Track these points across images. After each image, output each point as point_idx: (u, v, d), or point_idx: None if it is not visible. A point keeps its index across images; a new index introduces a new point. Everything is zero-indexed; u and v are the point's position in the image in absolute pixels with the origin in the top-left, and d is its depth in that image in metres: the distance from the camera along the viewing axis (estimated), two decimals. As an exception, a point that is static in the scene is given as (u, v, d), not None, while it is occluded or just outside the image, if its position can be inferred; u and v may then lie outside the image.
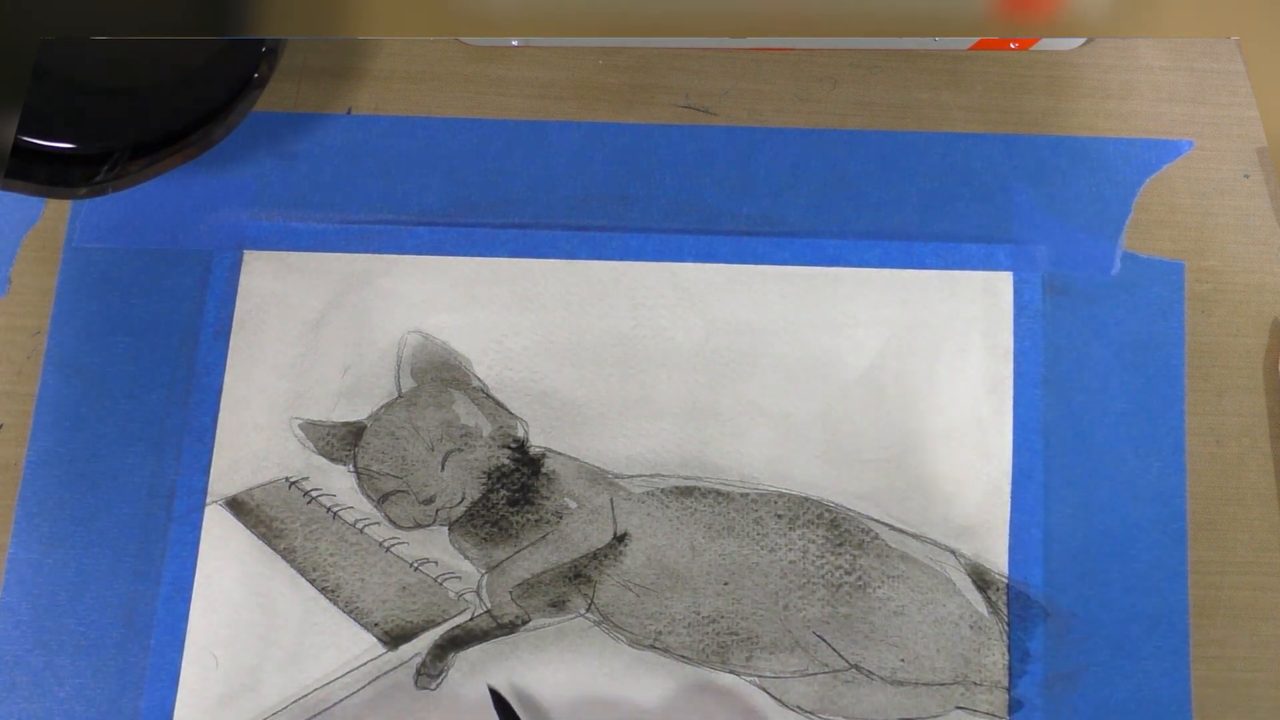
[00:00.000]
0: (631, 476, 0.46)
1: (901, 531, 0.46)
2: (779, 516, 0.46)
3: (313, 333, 0.47)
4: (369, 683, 0.44)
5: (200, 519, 0.45)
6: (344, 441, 0.46)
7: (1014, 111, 0.50)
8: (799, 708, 0.44)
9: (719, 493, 0.46)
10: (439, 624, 0.45)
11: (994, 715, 0.44)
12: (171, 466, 0.46)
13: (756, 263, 0.48)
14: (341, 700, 0.44)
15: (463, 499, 0.46)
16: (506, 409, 0.47)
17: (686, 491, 0.46)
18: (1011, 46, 0.50)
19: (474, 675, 0.44)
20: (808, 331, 0.47)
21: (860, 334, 0.47)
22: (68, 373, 0.47)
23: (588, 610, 0.45)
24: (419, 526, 0.46)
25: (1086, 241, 0.48)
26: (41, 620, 0.45)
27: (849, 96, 0.50)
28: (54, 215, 0.48)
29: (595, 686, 0.44)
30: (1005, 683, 0.44)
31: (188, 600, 0.45)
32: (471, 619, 0.45)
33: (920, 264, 0.48)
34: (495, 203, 0.49)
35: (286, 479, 0.46)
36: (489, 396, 0.47)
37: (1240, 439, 0.47)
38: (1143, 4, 0.43)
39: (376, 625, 0.45)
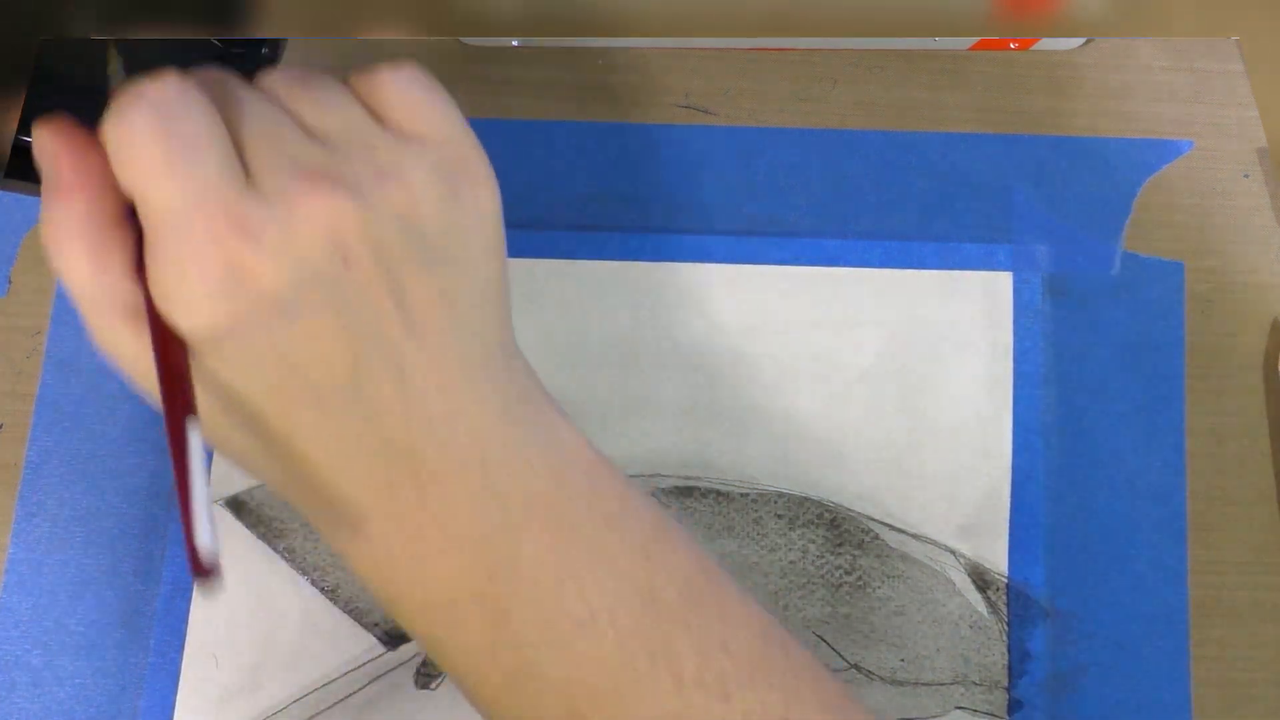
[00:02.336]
0: (631, 476, 0.46)
1: (901, 531, 0.46)
2: (779, 516, 0.46)
3: (313, 333, 0.47)
4: (369, 683, 0.44)
5: (200, 519, 0.45)
6: (344, 441, 0.46)
7: (1014, 111, 0.50)
8: (799, 708, 0.44)
9: (719, 493, 0.46)
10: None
11: (994, 715, 0.44)
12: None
13: (756, 263, 0.48)
14: (341, 700, 0.44)
15: (463, 499, 0.46)
16: (506, 409, 0.47)
17: (686, 491, 0.46)
18: (1011, 46, 0.50)
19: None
20: (808, 331, 0.47)
21: (860, 334, 0.47)
22: (68, 373, 0.47)
23: (588, 610, 0.45)
24: (419, 526, 0.45)
25: (1086, 241, 0.48)
26: (41, 620, 0.45)
27: (849, 96, 0.50)
28: (54, 215, 0.48)
29: (595, 686, 0.44)
30: (1005, 683, 0.44)
31: (188, 600, 0.45)
32: (471, 619, 0.45)
33: (920, 264, 0.48)
34: (495, 203, 0.49)
35: (286, 479, 0.46)
36: (489, 396, 0.47)
37: (1240, 439, 0.47)
38: (1143, 4, 0.44)
39: (376, 625, 0.45)
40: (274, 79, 0.30)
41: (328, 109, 0.29)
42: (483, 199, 0.30)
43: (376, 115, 0.30)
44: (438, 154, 0.29)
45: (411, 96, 0.30)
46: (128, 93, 0.28)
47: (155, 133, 0.27)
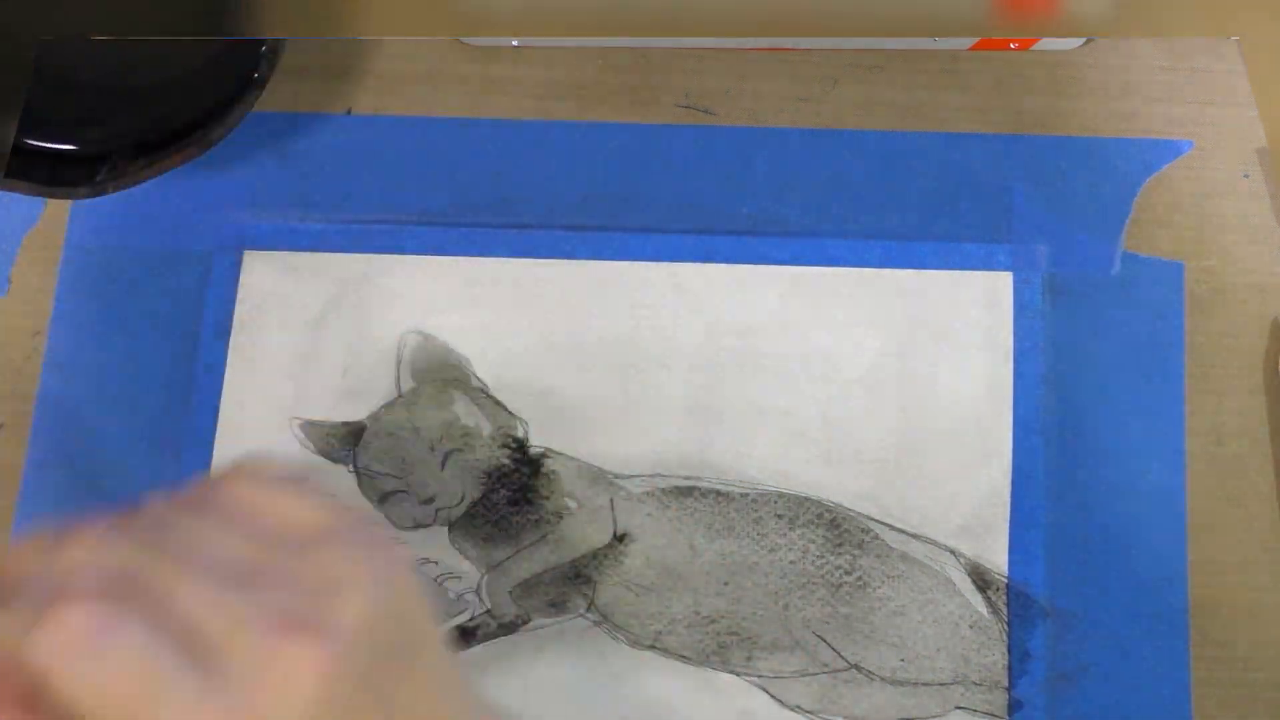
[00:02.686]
0: (631, 476, 0.46)
1: (901, 531, 0.46)
2: (779, 516, 0.46)
3: (313, 333, 0.47)
4: (369, 683, 0.44)
5: (200, 519, 0.45)
6: (344, 442, 0.46)
7: (1014, 111, 0.50)
8: (799, 707, 0.44)
9: (719, 493, 0.46)
10: (438, 624, 0.45)
11: (994, 715, 0.44)
12: (171, 466, 0.46)
13: (756, 263, 0.48)
14: (341, 700, 0.44)
15: (463, 499, 0.46)
16: (506, 409, 0.47)
17: (686, 491, 0.46)
18: (1011, 46, 0.50)
19: (474, 675, 0.44)
20: (808, 331, 0.47)
21: (860, 334, 0.47)
22: (68, 373, 0.47)
23: (588, 610, 0.45)
24: (419, 526, 0.46)
25: (1086, 241, 0.48)
26: (41, 620, 0.45)
27: (849, 96, 0.50)
28: (54, 215, 0.48)
29: (595, 686, 0.44)
30: (1005, 683, 0.44)
31: (188, 600, 0.45)
32: (471, 619, 0.45)
33: (920, 264, 0.48)
34: (495, 203, 0.49)
35: (286, 479, 0.46)
36: (489, 396, 0.47)
37: (1240, 439, 0.47)
38: (1143, 4, 0.44)
39: (376, 625, 0.45)
40: (154, 518, 0.28)
41: (228, 539, 0.28)
42: (399, 562, 0.30)
43: (248, 525, 0.29)
44: (347, 543, 0.28)
45: (280, 498, 0.29)
46: (48, 639, 0.24)
47: (113, 675, 0.24)
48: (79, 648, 0.24)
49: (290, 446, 0.46)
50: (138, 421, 0.46)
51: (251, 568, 0.27)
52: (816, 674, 0.44)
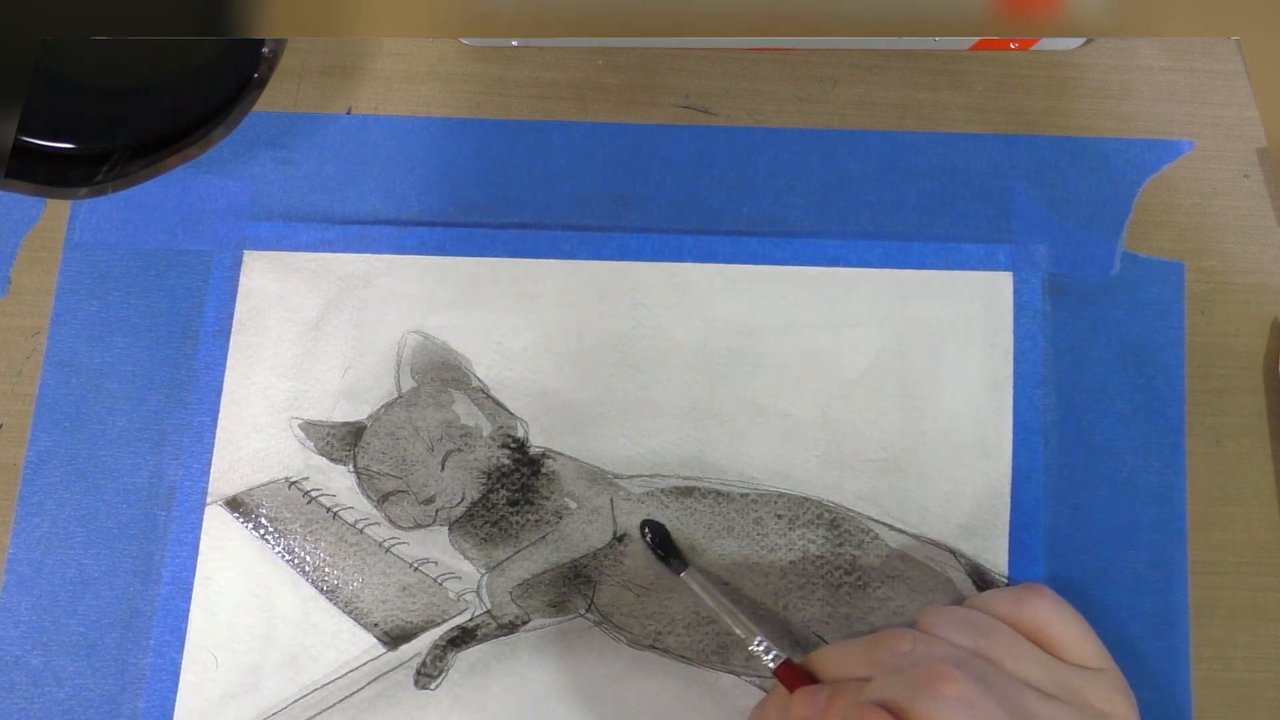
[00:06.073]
0: (631, 476, 0.46)
1: (901, 531, 0.46)
2: (779, 517, 0.46)
3: (313, 333, 0.47)
4: (369, 683, 0.44)
5: (200, 519, 0.45)
6: (344, 441, 0.46)
7: (1014, 111, 0.50)
8: (799, 708, 0.44)
9: (719, 493, 0.46)
10: (439, 624, 0.45)
11: (994, 715, 0.44)
12: (171, 466, 0.46)
13: (756, 263, 0.48)
14: (341, 700, 0.44)
15: (463, 499, 0.46)
16: (506, 409, 0.47)
17: (686, 492, 0.46)
18: (1011, 46, 0.50)
19: (474, 675, 0.44)
20: (808, 331, 0.47)
21: (860, 334, 0.47)
22: (68, 373, 0.47)
23: (588, 610, 0.45)
24: (419, 526, 0.46)
25: (1086, 241, 0.48)
26: (41, 620, 0.45)
27: (849, 96, 0.50)
28: (54, 215, 0.48)
29: (595, 686, 0.44)
30: (1005, 683, 0.44)
31: (188, 600, 0.45)
32: (471, 619, 0.45)
33: (920, 264, 0.48)
34: (495, 203, 0.49)
35: (286, 479, 0.46)
36: (489, 396, 0.47)
37: (1240, 439, 0.47)
38: (1143, 4, 0.44)
39: (376, 625, 0.45)
40: (980, 624, 0.39)
41: (1022, 659, 0.38)
42: (1134, 704, 0.40)
43: (1040, 644, 0.39)
44: (1115, 683, 0.39)
45: (1071, 631, 0.40)
46: (934, 702, 0.35)
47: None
48: (957, 710, 0.34)
49: (290, 446, 0.46)
50: (138, 421, 0.46)
51: (1053, 680, 0.38)
52: (816, 674, 0.44)
